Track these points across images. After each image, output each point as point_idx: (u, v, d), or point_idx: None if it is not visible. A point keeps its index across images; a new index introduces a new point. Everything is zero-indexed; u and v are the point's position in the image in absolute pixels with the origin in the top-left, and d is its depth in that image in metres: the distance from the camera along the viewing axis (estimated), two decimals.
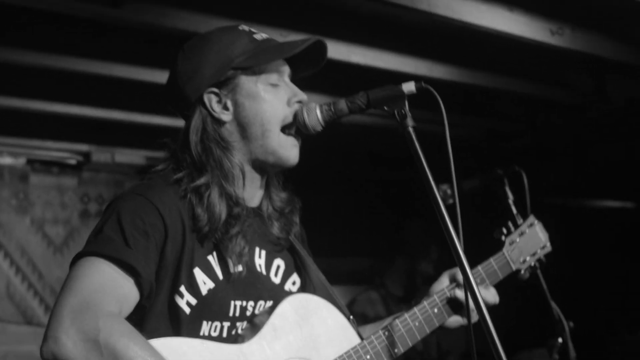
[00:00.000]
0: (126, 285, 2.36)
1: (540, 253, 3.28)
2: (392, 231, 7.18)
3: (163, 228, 2.46)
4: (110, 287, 2.32)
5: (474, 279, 2.60)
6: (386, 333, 2.73)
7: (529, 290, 3.79)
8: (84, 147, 8.92)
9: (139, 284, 2.37)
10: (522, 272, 3.19)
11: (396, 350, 2.73)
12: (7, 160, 9.16)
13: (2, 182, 9.13)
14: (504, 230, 3.22)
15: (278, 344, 2.52)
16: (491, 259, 3.09)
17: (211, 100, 2.65)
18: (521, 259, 3.18)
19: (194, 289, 2.50)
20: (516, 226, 3.26)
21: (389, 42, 6.07)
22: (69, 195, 9.58)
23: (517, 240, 3.19)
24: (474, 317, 2.49)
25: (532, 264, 3.23)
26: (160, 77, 5.84)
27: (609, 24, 5.88)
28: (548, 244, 3.29)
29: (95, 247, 2.39)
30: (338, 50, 5.84)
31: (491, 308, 2.91)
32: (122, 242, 2.38)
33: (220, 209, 2.53)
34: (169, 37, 5.00)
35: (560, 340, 4.21)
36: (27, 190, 9.30)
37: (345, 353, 2.64)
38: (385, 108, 2.51)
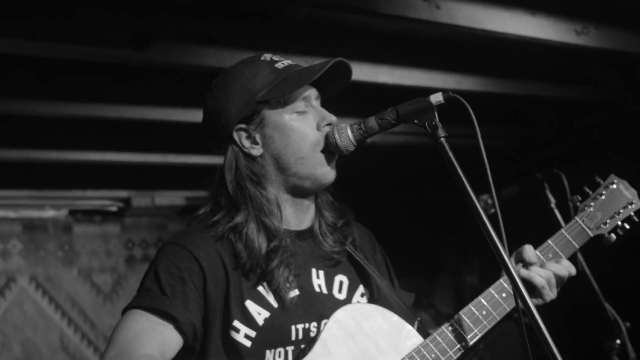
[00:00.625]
0: (165, 331, 2.40)
1: (627, 211, 2.95)
2: (430, 249, 7.13)
3: (199, 270, 2.48)
4: (147, 333, 2.39)
5: (544, 255, 2.64)
6: (450, 328, 2.61)
7: (581, 293, 3.72)
8: (123, 193, 9.00)
9: (178, 329, 2.41)
10: (607, 235, 2.89)
11: (464, 344, 2.59)
12: (50, 213, 9.27)
13: (47, 235, 9.24)
14: (578, 197, 2.96)
15: (332, 358, 2.50)
16: (562, 230, 2.86)
17: (240, 136, 2.65)
18: (601, 223, 2.90)
19: (249, 321, 2.51)
20: (593, 189, 2.98)
21: (414, 59, 6.07)
22: (113, 242, 9.66)
23: (593, 204, 2.92)
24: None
25: (619, 223, 2.92)
26: (192, 115, 5.91)
27: (634, 18, 5.83)
28: (636, 200, 2.96)
29: (135, 301, 2.47)
30: (364, 72, 5.85)
31: (568, 282, 2.73)
32: (159, 292, 2.44)
33: (260, 243, 2.54)
34: (196, 75, 5.06)
35: (618, 342, 4.15)
36: (72, 241, 9.40)
37: (407, 355, 2.56)
38: (416, 121, 2.50)
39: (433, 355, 2.56)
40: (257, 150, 2.65)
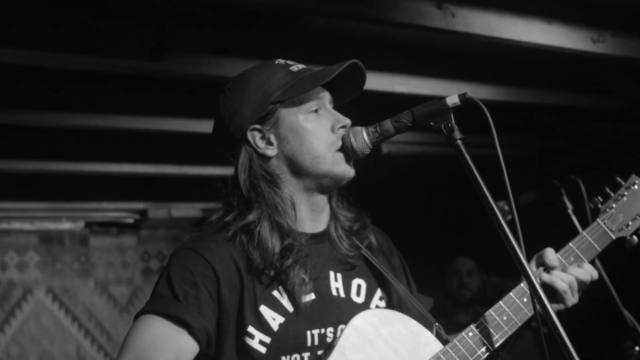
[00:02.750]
0: (180, 338, 2.38)
1: None
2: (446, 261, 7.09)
3: (213, 274, 2.45)
4: (162, 340, 2.37)
5: (565, 258, 2.60)
6: (470, 334, 2.55)
7: (600, 300, 3.68)
8: (140, 205, 9.03)
9: (193, 335, 2.38)
10: (629, 237, 2.79)
11: (484, 349, 2.54)
12: (66, 225, 9.31)
13: (63, 247, 9.27)
14: (600, 199, 2.86)
15: None
16: (584, 232, 2.78)
17: (255, 137, 2.63)
18: (624, 225, 2.81)
19: (264, 327, 2.47)
20: (614, 191, 2.87)
21: (431, 68, 6.06)
22: (129, 254, 9.69)
23: (614, 205, 2.83)
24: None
25: None
26: (207, 126, 5.85)
27: None
28: None
29: (148, 306, 2.45)
30: (381, 82, 5.85)
31: (585, 291, 2.68)
32: (172, 297, 2.41)
33: (273, 242, 2.51)
34: (211, 86, 5.04)
35: (637, 348, 4.12)
36: (88, 253, 9.43)
37: None
38: (432, 123, 2.46)
39: None
40: (271, 151, 2.63)
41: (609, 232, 2.79)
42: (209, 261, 2.46)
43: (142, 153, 7.04)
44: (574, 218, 3.72)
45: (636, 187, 2.88)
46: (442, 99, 2.49)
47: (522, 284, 2.63)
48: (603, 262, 3.91)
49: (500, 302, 2.62)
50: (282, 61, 2.73)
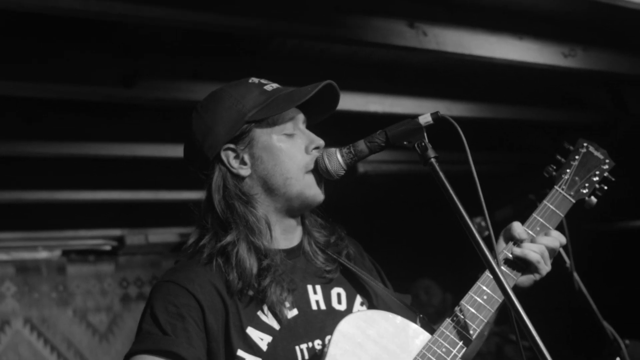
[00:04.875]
0: None
1: (602, 172, 2.98)
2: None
3: (197, 304, 2.43)
4: None
5: (532, 229, 2.65)
6: (455, 319, 2.55)
7: (579, 313, 3.69)
8: (117, 232, 8.98)
9: None
10: (587, 199, 2.89)
11: (471, 332, 2.54)
12: (43, 255, 9.24)
13: (40, 277, 9.20)
14: (553, 167, 2.94)
15: None
16: (544, 201, 2.84)
17: (228, 156, 2.62)
18: (580, 187, 2.91)
19: (253, 349, 2.46)
20: (565, 157, 2.96)
21: (404, 87, 6.08)
22: (107, 281, 9.63)
23: (568, 170, 2.93)
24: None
25: (597, 186, 2.93)
26: (181, 151, 5.86)
27: (620, 38, 5.86)
28: (608, 160, 2.97)
29: (138, 346, 2.41)
30: (355, 102, 5.86)
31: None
32: (160, 332, 2.39)
33: (251, 262, 2.49)
34: (184, 110, 5.04)
35: (618, 359, 4.13)
36: (66, 281, 9.36)
37: (419, 354, 2.49)
38: (405, 143, 2.47)
39: (444, 350, 2.49)
40: (245, 171, 2.61)
41: (567, 196, 2.86)
42: (191, 292, 2.44)
43: (118, 180, 7.02)
44: None
45: (584, 150, 2.98)
46: (415, 118, 2.49)
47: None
48: (581, 273, 3.95)
49: (478, 283, 2.63)
50: (255, 80, 2.72)
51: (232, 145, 2.61)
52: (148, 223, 8.91)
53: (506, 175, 8.64)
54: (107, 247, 9.53)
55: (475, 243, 2.34)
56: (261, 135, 2.61)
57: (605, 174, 2.96)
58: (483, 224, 4.05)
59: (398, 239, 9.53)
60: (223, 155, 2.62)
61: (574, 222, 3.58)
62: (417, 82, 6.08)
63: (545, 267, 2.64)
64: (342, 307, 2.67)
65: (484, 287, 2.61)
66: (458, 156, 2.55)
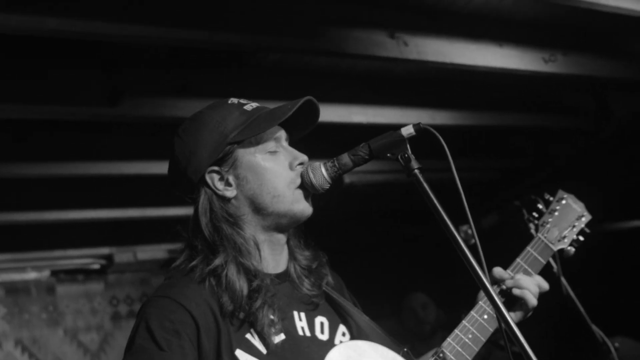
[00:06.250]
0: None
1: (580, 224, 3.14)
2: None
3: (193, 322, 2.42)
4: None
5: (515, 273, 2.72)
6: (441, 355, 2.61)
7: (569, 316, 3.71)
8: (105, 250, 8.95)
9: None
10: (566, 248, 3.05)
11: None
12: (32, 275, 9.21)
13: (30, 297, 9.17)
14: (535, 215, 3.13)
15: None
16: (528, 248, 2.97)
17: (213, 179, 2.62)
18: (560, 237, 3.06)
19: None
20: (547, 206, 3.15)
21: (387, 97, 6.11)
22: (97, 300, 9.60)
23: (550, 220, 3.08)
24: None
25: (575, 237, 3.09)
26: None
27: (600, 42, 5.91)
28: (586, 213, 3.15)
29: None
30: (338, 113, 5.88)
31: (542, 299, 2.79)
32: (155, 348, 2.36)
33: (241, 284, 2.49)
34: (170, 127, 5.04)
35: None
36: (56, 301, 9.33)
37: None
38: (389, 155, 2.48)
39: None
40: (231, 192, 2.62)
41: (550, 245, 3.01)
42: (187, 308, 2.42)
43: (105, 198, 7.01)
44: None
45: (564, 202, 3.16)
46: (397, 129, 2.51)
47: (480, 302, 2.75)
48: (569, 279, 3.97)
49: (464, 322, 2.70)
50: (235, 100, 2.73)
51: (216, 168, 2.62)
52: (136, 240, 8.88)
53: (492, 181, 8.68)
54: (96, 266, 9.50)
55: (462, 252, 2.36)
56: (244, 155, 2.62)
57: (583, 226, 3.12)
58: (469, 231, 4.07)
59: (387, 250, 9.55)
60: (208, 178, 2.62)
61: None
62: (400, 91, 6.10)
63: (533, 299, 2.71)
64: (325, 337, 2.67)
65: (469, 326, 2.69)
66: (442, 164, 2.57)
